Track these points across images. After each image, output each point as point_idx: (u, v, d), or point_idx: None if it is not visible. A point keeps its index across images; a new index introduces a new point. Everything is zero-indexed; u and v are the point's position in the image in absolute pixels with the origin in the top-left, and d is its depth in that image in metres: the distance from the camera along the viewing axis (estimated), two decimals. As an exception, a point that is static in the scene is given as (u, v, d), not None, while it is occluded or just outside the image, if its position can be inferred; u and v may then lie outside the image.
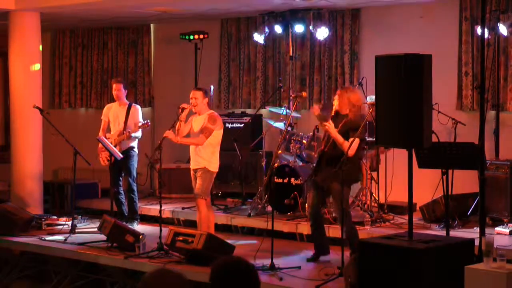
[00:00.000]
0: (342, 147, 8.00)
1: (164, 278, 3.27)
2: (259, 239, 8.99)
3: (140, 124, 10.35)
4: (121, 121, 10.43)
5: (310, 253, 8.57)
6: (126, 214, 10.50)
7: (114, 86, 10.54)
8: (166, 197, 11.21)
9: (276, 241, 8.30)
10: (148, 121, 10.40)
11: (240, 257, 3.64)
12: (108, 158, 10.34)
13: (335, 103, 8.26)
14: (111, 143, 10.26)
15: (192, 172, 9.07)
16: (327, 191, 8.24)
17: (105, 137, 10.41)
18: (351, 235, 8.08)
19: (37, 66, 11.79)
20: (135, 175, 10.52)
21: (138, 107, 10.63)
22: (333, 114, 8.32)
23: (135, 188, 10.53)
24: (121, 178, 10.56)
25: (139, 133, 10.46)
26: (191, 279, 8.35)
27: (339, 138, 8.03)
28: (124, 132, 10.33)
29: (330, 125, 8.07)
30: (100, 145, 10.44)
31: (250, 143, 10.94)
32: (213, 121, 8.89)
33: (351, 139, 7.96)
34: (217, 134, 8.95)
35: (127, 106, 10.50)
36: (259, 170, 11.04)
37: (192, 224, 10.13)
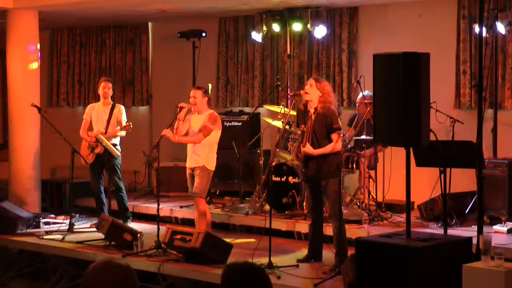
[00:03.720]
0: (333, 152, 7.95)
1: (107, 272, 3.22)
2: (257, 238, 8.99)
3: (123, 124, 10.32)
4: (104, 120, 10.39)
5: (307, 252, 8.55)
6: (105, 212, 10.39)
7: (103, 84, 10.43)
8: (164, 195, 11.20)
9: (274, 240, 8.28)
10: (130, 123, 10.29)
11: (255, 264, 3.57)
12: (88, 156, 10.32)
13: (312, 94, 8.05)
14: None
15: (188, 170, 9.06)
16: (322, 189, 8.16)
17: (87, 135, 10.37)
18: (339, 234, 8.05)
19: (35, 65, 11.78)
20: (120, 173, 10.49)
21: (122, 107, 10.59)
22: (302, 109, 8.23)
23: (122, 186, 10.51)
24: (102, 178, 10.51)
25: (123, 132, 10.43)
26: (189, 278, 8.36)
27: (327, 150, 7.97)
28: (107, 132, 10.29)
29: (308, 149, 8.03)
30: (83, 143, 10.40)
31: (248, 142, 10.94)
32: (213, 121, 8.90)
33: (333, 136, 7.93)
34: (215, 134, 8.96)
35: (110, 105, 10.47)
36: (257, 169, 11.04)
37: (190, 222, 10.12)
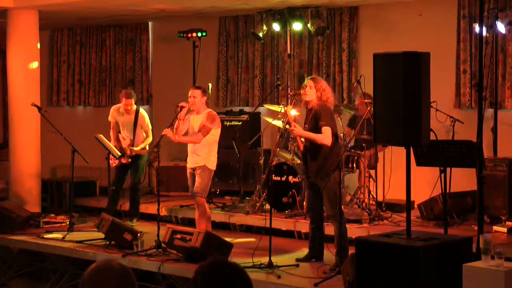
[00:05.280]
0: (318, 142, 7.96)
1: (105, 274, 3.20)
2: (257, 237, 8.98)
3: (147, 130, 10.44)
4: (130, 127, 10.48)
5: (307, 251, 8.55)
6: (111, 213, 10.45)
7: (124, 101, 10.41)
8: (164, 195, 11.20)
9: (274, 239, 8.28)
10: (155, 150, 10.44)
11: (229, 261, 3.42)
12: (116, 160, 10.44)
13: (312, 95, 8.07)
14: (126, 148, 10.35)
15: (189, 170, 9.07)
16: (322, 188, 8.12)
17: (118, 138, 10.45)
18: (340, 234, 8.05)
19: (35, 64, 11.78)
20: (142, 175, 10.57)
21: (145, 114, 10.65)
22: (305, 108, 8.23)
23: (139, 188, 10.62)
24: (124, 179, 10.60)
25: (149, 139, 10.51)
26: (189, 277, 8.35)
27: (313, 136, 7.96)
28: (131, 148, 10.40)
29: (296, 128, 8.03)
30: (112, 143, 10.46)
31: (248, 141, 10.94)
32: (211, 119, 8.91)
33: (323, 129, 7.90)
34: (215, 133, 8.97)
35: (134, 112, 10.52)
36: (257, 168, 11.04)
37: (190, 222, 10.13)
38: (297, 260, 8.34)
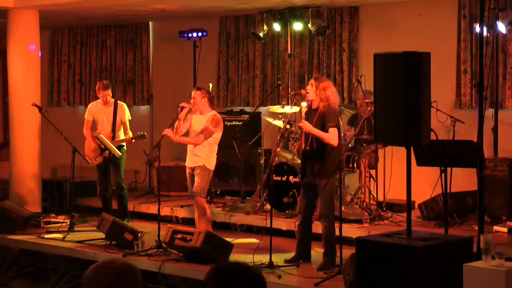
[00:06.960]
0: (325, 140, 7.95)
1: (106, 272, 3.19)
2: (258, 237, 8.99)
3: (127, 125, 10.38)
4: (109, 120, 10.43)
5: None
6: (110, 211, 10.45)
7: (102, 92, 10.38)
8: (165, 195, 11.21)
9: (275, 239, 8.29)
10: (145, 133, 10.37)
11: (246, 264, 3.25)
12: (96, 157, 10.37)
13: (312, 94, 8.08)
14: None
15: (188, 170, 9.08)
16: (321, 188, 8.09)
17: (91, 135, 10.42)
18: (329, 234, 8.05)
19: (35, 65, 11.80)
20: (123, 173, 10.54)
21: (124, 106, 10.60)
22: (307, 109, 8.21)
23: (124, 186, 10.56)
24: (109, 178, 10.57)
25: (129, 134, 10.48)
26: (189, 277, 8.36)
27: (321, 134, 7.94)
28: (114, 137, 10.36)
29: (305, 124, 8.00)
30: (87, 143, 10.45)
31: (248, 141, 10.93)
32: (215, 123, 8.95)
33: (330, 130, 7.91)
34: (216, 135, 9.01)
35: (112, 106, 10.48)
36: (258, 168, 11.04)
37: (190, 222, 10.13)
38: (286, 261, 8.30)
